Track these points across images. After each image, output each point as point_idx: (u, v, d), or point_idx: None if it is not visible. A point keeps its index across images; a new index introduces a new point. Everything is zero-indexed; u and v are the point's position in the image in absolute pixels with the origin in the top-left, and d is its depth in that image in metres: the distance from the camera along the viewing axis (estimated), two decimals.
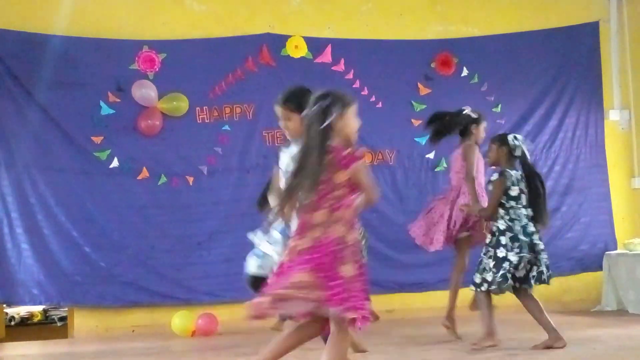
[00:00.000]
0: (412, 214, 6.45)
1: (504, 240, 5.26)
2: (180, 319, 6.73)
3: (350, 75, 7.68)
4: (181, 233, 7.18)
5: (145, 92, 7.13)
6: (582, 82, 8.26)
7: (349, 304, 3.20)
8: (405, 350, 5.45)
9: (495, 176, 5.40)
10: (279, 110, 4.05)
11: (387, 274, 7.36)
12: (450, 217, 5.78)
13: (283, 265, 3.36)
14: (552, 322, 5.23)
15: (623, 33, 8.44)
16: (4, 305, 7.55)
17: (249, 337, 5.84)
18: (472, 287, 5.38)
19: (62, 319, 8.09)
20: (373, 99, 7.61)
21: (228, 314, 6.89)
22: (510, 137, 5.52)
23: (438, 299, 6.64)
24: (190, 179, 7.24)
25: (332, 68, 7.67)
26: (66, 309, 7.48)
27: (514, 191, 5.34)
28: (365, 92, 7.56)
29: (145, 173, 7.14)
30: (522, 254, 5.20)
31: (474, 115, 6.01)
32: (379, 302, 7.43)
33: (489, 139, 5.84)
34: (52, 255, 6.92)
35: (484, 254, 5.35)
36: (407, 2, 8.07)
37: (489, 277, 5.24)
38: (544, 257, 5.27)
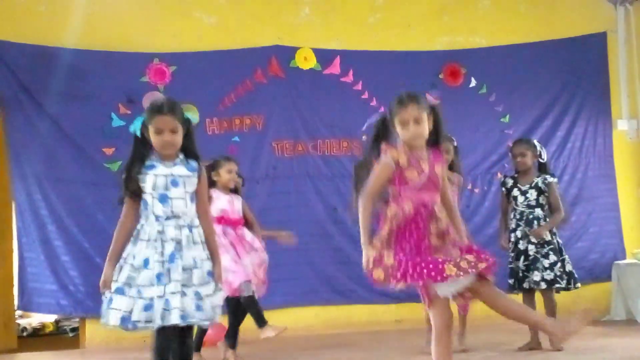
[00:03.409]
0: None
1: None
2: None
3: (358, 87, 7.73)
4: None
5: None
6: (590, 93, 8.28)
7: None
8: None
9: (555, 180, 5.83)
10: (169, 120, 3.70)
11: None
12: None
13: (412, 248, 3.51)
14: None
15: (630, 43, 8.46)
16: (17, 316, 7.61)
17: (257, 347, 5.87)
18: (541, 287, 5.66)
19: (74, 329, 8.12)
20: (382, 109, 7.60)
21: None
22: (537, 143, 5.88)
23: None
24: None
25: (341, 79, 7.72)
26: (78, 319, 7.52)
27: None
28: (374, 102, 7.60)
29: None
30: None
31: None
32: (388, 312, 7.48)
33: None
34: (63, 266, 6.97)
35: (543, 255, 5.66)
36: (414, 13, 8.11)
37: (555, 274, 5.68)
38: None
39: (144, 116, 3.76)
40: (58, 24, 7.22)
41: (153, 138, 3.70)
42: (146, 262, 3.57)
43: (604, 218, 8.17)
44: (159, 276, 3.53)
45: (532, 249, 5.72)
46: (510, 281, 5.79)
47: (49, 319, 8.48)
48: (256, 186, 7.34)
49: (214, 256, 3.72)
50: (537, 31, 8.26)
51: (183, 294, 3.52)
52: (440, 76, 7.97)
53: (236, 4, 7.72)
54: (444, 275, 3.38)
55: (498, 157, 8.02)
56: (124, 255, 3.64)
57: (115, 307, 3.53)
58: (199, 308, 3.55)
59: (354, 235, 7.34)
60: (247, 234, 5.56)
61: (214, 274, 3.67)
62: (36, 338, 8.27)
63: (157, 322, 3.49)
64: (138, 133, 3.75)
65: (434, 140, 3.72)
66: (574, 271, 5.84)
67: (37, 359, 6.82)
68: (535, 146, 5.90)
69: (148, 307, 3.49)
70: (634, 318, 7.38)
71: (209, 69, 7.42)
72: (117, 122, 7.12)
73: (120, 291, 3.55)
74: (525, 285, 5.72)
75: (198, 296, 3.57)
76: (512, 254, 5.80)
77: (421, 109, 3.64)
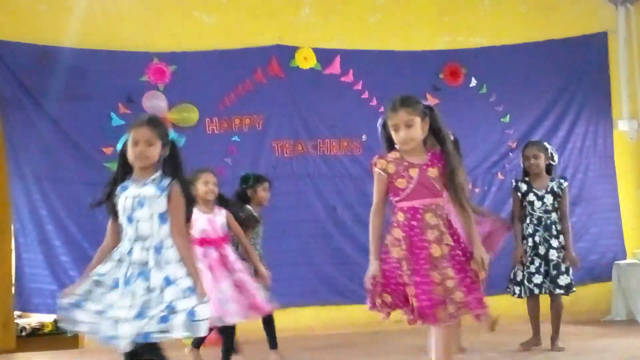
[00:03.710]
0: None
1: None
2: None
3: (359, 86, 7.72)
4: None
5: (155, 103, 7.19)
6: (591, 93, 8.27)
7: None
8: None
9: (566, 183, 5.86)
10: (145, 131, 3.67)
11: None
12: None
13: None
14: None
15: (631, 43, 8.44)
16: (15, 316, 7.59)
17: (257, 347, 5.86)
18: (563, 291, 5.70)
19: None
20: (382, 109, 7.52)
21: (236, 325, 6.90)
22: (549, 146, 5.94)
23: None
24: None
25: (341, 79, 7.71)
26: None
27: None
28: (374, 102, 7.58)
29: None
30: None
31: None
32: None
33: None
34: (63, 266, 6.96)
35: (560, 259, 5.70)
36: (415, 13, 8.09)
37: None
38: None
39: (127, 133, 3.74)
40: (57, 23, 7.20)
41: (129, 150, 3.66)
42: (116, 283, 3.55)
43: (604, 218, 8.15)
44: (122, 297, 3.50)
45: (553, 253, 5.68)
46: (517, 288, 5.74)
47: (48, 318, 8.43)
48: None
49: (192, 274, 3.59)
50: (537, 31, 8.24)
51: (140, 316, 3.44)
52: (441, 76, 7.95)
53: (236, 4, 7.70)
54: (436, 319, 3.53)
55: (498, 157, 8.01)
56: (93, 270, 3.64)
57: (79, 318, 3.52)
58: (163, 320, 3.44)
59: (354, 235, 7.42)
60: (231, 253, 5.31)
61: (197, 290, 3.53)
62: (35, 338, 8.23)
63: (115, 343, 3.45)
64: (119, 148, 3.75)
65: (438, 142, 3.72)
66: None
67: (36, 359, 6.81)
68: (547, 149, 5.86)
69: (114, 325, 3.46)
70: (635, 318, 7.38)
71: (208, 68, 7.41)
72: (116, 121, 7.11)
73: (77, 304, 3.53)
74: (542, 290, 5.66)
75: (171, 309, 3.45)
76: (527, 259, 5.74)
77: (412, 113, 3.67)
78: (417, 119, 3.66)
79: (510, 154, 8.00)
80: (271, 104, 7.54)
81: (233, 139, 7.44)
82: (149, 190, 3.65)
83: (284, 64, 7.60)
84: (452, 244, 3.59)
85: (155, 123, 3.74)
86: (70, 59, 7.09)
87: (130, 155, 3.67)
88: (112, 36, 7.30)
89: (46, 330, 8.48)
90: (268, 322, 5.59)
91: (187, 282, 3.55)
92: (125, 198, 3.65)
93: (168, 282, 3.52)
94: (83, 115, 7.07)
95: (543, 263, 5.68)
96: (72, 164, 7.09)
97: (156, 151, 3.68)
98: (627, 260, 7.88)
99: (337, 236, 7.47)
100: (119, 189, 3.69)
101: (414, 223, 3.60)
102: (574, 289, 5.77)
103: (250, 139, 7.49)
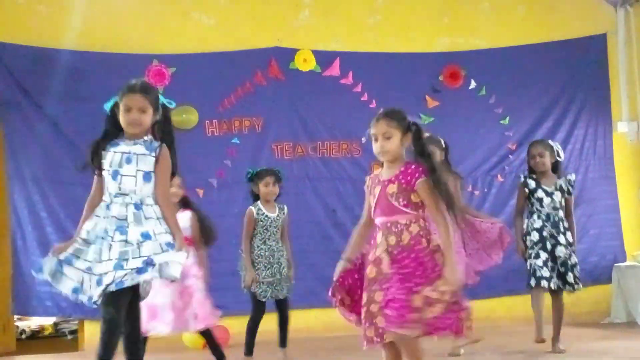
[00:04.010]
0: None
1: None
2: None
3: (358, 88, 7.72)
4: None
5: None
6: (590, 95, 8.27)
7: None
8: None
9: (574, 177, 5.90)
10: (138, 98, 3.73)
11: None
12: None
13: None
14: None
15: (631, 45, 8.45)
16: (15, 319, 7.59)
17: (255, 350, 5.84)
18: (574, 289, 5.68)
19: (73, 332, 8.09)
20: (381, 111, 7.61)
21: (236, 327, 6.90)
22: (554, 143, 5.91)
23: None
24: (201, 192, 7.27)
25: (341, 81, 7.72)
26: (77, 322, 7.50)
27: None
28: (373, 104, 7.58)
29: None
30: None
31: None
32: None
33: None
34: None
35: (567, 256, 5.66)
36: (414, 15, 8.10)
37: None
38: None
39: (117, 96, 3.77)
40: (57, 25, 7.22)
41: (122, 116, 3.72)
42: (95, 238, 3.60)
43: (604, 220, 8.15)
44: (100, 252, 3.55)
45: (561, 250, 5.66)
46: (532, 281, 5.70)
47: (47, 321, 8.45)
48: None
49: (174, 232, 3.68)
50: (537, 33, 8.25)
51: (118, 266, 3.50)
52: (440, 78, 7.96)
53: (236, 6, 7.71)
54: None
55: (498, 159, 8.01)
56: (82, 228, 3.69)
57: (67, 275, 3.58)
58: (140, 271, 3.50)
59: None
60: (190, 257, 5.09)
61: (175, 245, 3.62)
62: (35, 340, 8.25)
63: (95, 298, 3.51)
64: (108, 110, 3.78)
65: (420, 159, 3.67)
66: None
67: None
68: (552, 146, 5.86)
69: (99, 283, 3.51)
70: (635, 320, 7.36)
71: (208, 70, 7.41)
72: None
73: (68, 261, 3.59)
74: (550, 284, 5.64)
75: (148, 262, 3.52)
76: (532, 252, 5.70)
77: (392, 126, 3.67)
78: (397, 132, 3.66)
79: (510, 156, 8.01)
80: (271, 106, 7.55)
81: (233, 141, 7.45)
82: (139, 148, 3.72)
83: (284, 66, 7.60)
84: (389, 270, 3.50)
85: (148, 90, 3.80)
86: (70, 61, 7.10)
87: (123, 121, 3.72)
88: (112, 38, 7.30)
89: (46, 332, 8.49)
90: (284, 321, 5.62)
91: (167, 238, 3.64)
92: (114, 153, 3.72)
93: (146, 236, 3.58)
94: (82, 117, 7.04)
95: (550, 259, 5.65)
96: (72, 166, 7.04)
97: (149, 118, 3.76)
98: (627, 262, 7.88)
99: (337, 238, 7.45)
100: (108, 145, 3.75)
101: (372, 241, 3.67)
102: (581, 285, 5.72)
103: (250, 141, 7.49)
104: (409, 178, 3.59)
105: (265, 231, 5.61)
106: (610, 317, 7.67)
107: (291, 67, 7.63)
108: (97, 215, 3.69)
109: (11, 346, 7.38)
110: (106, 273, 3.50)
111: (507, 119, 8.05)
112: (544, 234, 5.69)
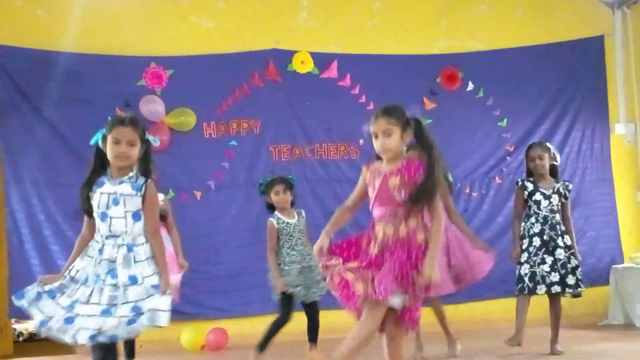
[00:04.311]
0: None
1: None
2: (190, 333, 6.75)
3: (356, 91, 7.72)
4: (189, 248, 7.17)
5: (152, 107, 7.19)
6: (588, 96, 8.27)
7: None
8: None
9: (571, 186, 5.93)
10: (128, 131, 3.72)
11: None
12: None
13: None
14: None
15: (628, 47, 8.45)
16: (12, 321, 7.57)
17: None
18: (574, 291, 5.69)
19: None
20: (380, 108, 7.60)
21: (235, 329, 6.91)
22: (552, 147, 5.96)
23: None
24: (198, 194, 7.27)
25: (338, 83, 7.71)
26: None
27: None
28: (371, 106, 7.58)
29: None
30: None
31: None
32: None
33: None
34: (59, 271, 6.91)
35: (572, 254, 5.69)
36: (412, 18, 8.10)
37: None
38: None
39: (105, 129, 3.74)
40: (55, 28, 7.21)
41: (109, 148, 3.67)
42: (86, 280, 3.57)
43: (601, 222, 8.15)
44: (90, 294, 3.52)
45: (560, 252, 5.66)
46: (529, 284, 5.67)
47: None
48: (254, 190, 7.31)
49: (161, 271, 3.65)
50: (534, 35, 8.25)
51: (107, 312, 3.47)
52: (438, 80, 7.96)
53: (233, 8, 7.71)
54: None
55: (496, 161, 8.01)
56: (71, 266, 3.67)
57: (40, 309, 3.54)
58: (131, 322, 3.47)
59: None
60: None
61: (160, 286, 3.59)
62: (32, 343, 8.23)
63: (67, 338, 3.46)
64: (100, 143, 3.74)
65: (422, 153, 3.68)
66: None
67: None
68: (550, 149, 5.87)
69: (68, 321, 3.47)
70: (632, 322, 7.38)
71: (206, 72, 7.41)
72: None
73: (51, 294, 3.56)
74: (553, 289, 5.63)
75: (136, 310, 3.49)
76: (535, 258, 5.68)
77: (392, 123, 3.67)
78: (397, 129, 3.67)
79: (508, 157, 8.01)
80: (268, 108, 7.54)
81: (230, 143, 7.44)
82: (125, 188, 3.68)
83: (281, 68, 7.60)
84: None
85: (138, 123, 3.77)
86: (68, 64, 7.09)
87: (111, 154, 3.68)
88: (110, 41, 7.30)
89: (43, 335, 8.45)
90: (314, 323, 5.71)
91: (154, 280, 3.60)
92: (100, 194, 3.69)
93: (133, 280, 3.55)
94: (81, 119, 7.04)
95: (551, 262, 5.64)
96: (70, 169, 7.05)
97: (137, 151, 3.72)
98: (624, 264, 7.89)
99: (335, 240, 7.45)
100: (94, 186, 3.72)
101: (372, 231, 3.68)
102: (583, 287, 5.74)
103: (248, 143, 7.49)
104: (412, 173, 3.60)
105: (290, 238, 5.59)
106: (607, 319, 7.69)
107: (289, 69, 7.62)
108: (89, 256, 3.66)
109: (8, 349, 7.37)
110: (89, 316, 3.46)
111: (505, 121, 8.05)
112: (545, 237, 5.69)
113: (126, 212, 3.65)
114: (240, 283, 7.11)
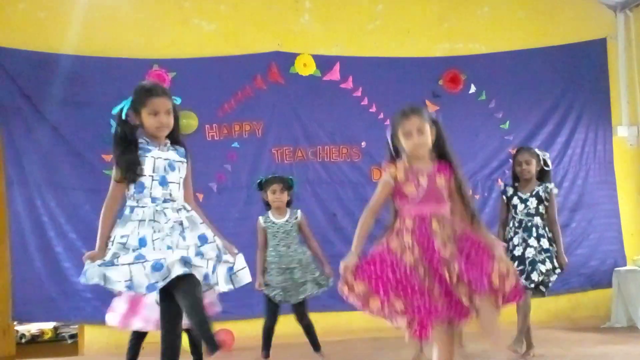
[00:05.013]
0: None
1: None
2: None
3: (358, 93, 7.72)
4: None
5: None
6: (590, 99, 8.27)
7: None
8: None
9: (557, 190, 5.88)
10: (165, 101, 3.77)
11: None
12: None
13: None
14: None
15: (630, 49, 8.44)
16: (15, 323, 7.58)
17: (254, 354, 5.85)
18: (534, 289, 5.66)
19: (73, 336, 8.10)
20: (381, 116, 7.62)
21: (237, 331, 6.90)
22: (540, 152, 5.95)
23: None
24: (201, 196, 7.25)
25: (341, 86, 7.72)
26: (76, 326, 7.49)
27: None
28: (373, 109, 7.60)
29: None
30: None
31: None
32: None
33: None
34: (63, 272, 6.95)
35: (541, 261, 5.64)
36: (414, 20, 8.11)
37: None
38: None
39: (131, 99, 3.77)
40: (57, 30, 7.22)
41: (147, 120, 3.71)
42: (142, 241, 3.56)
43: (604, 224, 8.14)
44: (168, 247, 3.55)
45: (530, 251, 5.66)
46: None
47: (47, 325, 8.45)
48: (256, 192, 7.33)
49: (217, 233, 3.80)
50: (536, 37, 8.25)
51: (199, 253, 3.59)
52: (440, 83, 7.96)
53: (236, 11, 7.72)
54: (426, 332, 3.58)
55: (498, 164, 8.01)
56: (111, 237, 3.64)
57: (115, 279, 3.51)
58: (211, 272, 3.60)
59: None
60: None
61: (228, 249, 3.75)
62: (35, 345, 8.25)
63: (169, 275, 3.47)
64: (124, 115, 3.77)
65: (440, 153, 3.80)
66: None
67: None
68: (538, 155, 5.87)
69: (157, 267, 3.48)
70: (635, 325, 7.36)
71: (208, 75, 7.41)
72: None
73: (109, 264, 3.54)
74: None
75: (217, 260, 3.65)
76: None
77: (423, 120, 3.74)
78: (427, 126, 3.75)
79: (510, 160, 7.99)
80: (271, 111, 7.55)
81: (233, 145, 7.45)
82: (174, 155, 3.77)
83: (284, 70, 7.61)
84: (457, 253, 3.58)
85: (167, 92, 3.83)
86: (70, 66, 7.10)
87: (152, 125, 3.71)
88: (112, 43, 7.31)
89: (46, 337, 8.49)
90: (305, 327, 5.72)
91: (219, 241, 3.74)
92: (154, 159, 3.71)
93: (204, 240, 3.67)
94: (83, 122, 7.07)
95: (518, 262, 5.64)
96: (72, 171, 7.09)
97: (172, 120, 3.78)
98: (627, 267, 7.87)
99: (337, 242, 7.44)
100: (139, 151, 3.73)
101: (423, 230, 3.63)
102: (545, 290, 5.71)
103: (250, 145, 7.49)
104: (447, 174, 3.73)
105: (273, 237, 5.66)
106: (610, 321, 7.67)
107: (291, 72, 7.63)
108: (133, 221, 3.64)
109: (11, 350, 7.39)
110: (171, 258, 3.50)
111: (507, 123, 8.05)
112: (515, 241, 5.74)
113: (180, 177, 3.75)
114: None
